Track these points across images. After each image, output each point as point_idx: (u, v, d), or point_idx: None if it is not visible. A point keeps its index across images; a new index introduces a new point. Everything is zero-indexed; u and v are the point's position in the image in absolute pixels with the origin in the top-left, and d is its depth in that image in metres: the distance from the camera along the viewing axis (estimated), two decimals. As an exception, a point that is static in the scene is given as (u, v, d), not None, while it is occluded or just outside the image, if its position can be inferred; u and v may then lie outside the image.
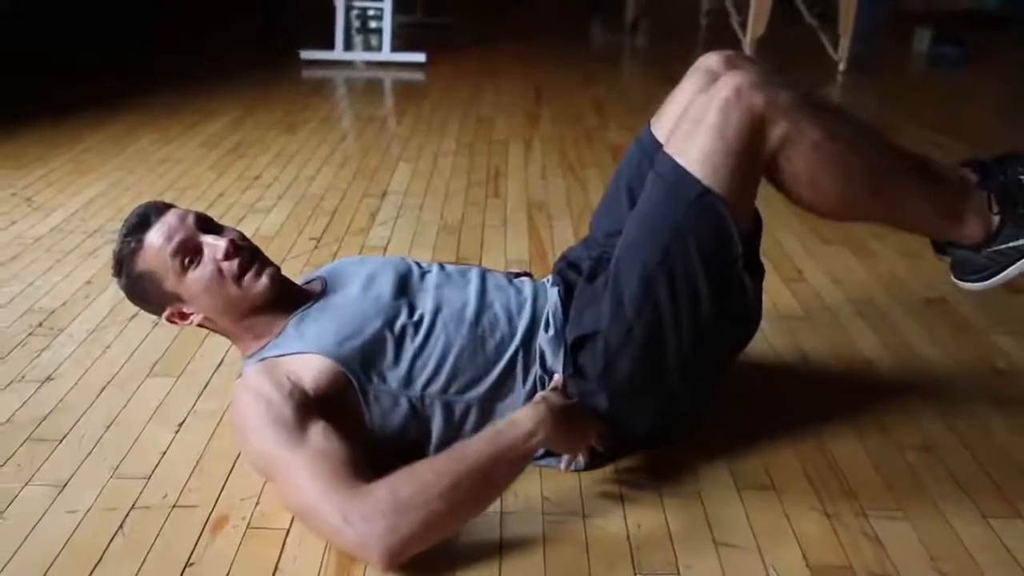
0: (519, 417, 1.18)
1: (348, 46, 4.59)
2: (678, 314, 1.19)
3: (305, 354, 1.25)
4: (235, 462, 1.36)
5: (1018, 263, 1.21)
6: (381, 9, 4.51)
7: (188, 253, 1.27)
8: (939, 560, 1.17)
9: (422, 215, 2.39)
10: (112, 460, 1.36)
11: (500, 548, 1.19)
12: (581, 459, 1.31)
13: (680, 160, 1.17)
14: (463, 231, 2.28)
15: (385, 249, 2.16)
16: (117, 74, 4.22)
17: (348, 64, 4.53)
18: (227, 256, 1.27)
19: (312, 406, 1.20)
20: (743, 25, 4.57)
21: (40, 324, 1.78)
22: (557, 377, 1.28)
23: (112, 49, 4.84)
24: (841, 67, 4.52)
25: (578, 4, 7.14)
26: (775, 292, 1.93)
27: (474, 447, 1.14)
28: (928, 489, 1.31)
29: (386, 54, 4.48)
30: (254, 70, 4.35)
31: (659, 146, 1.28)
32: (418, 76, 4.39)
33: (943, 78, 4.65)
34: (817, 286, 1.97)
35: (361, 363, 1.25)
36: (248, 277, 1.29)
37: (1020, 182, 1.24)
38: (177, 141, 3.11)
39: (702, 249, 1.17)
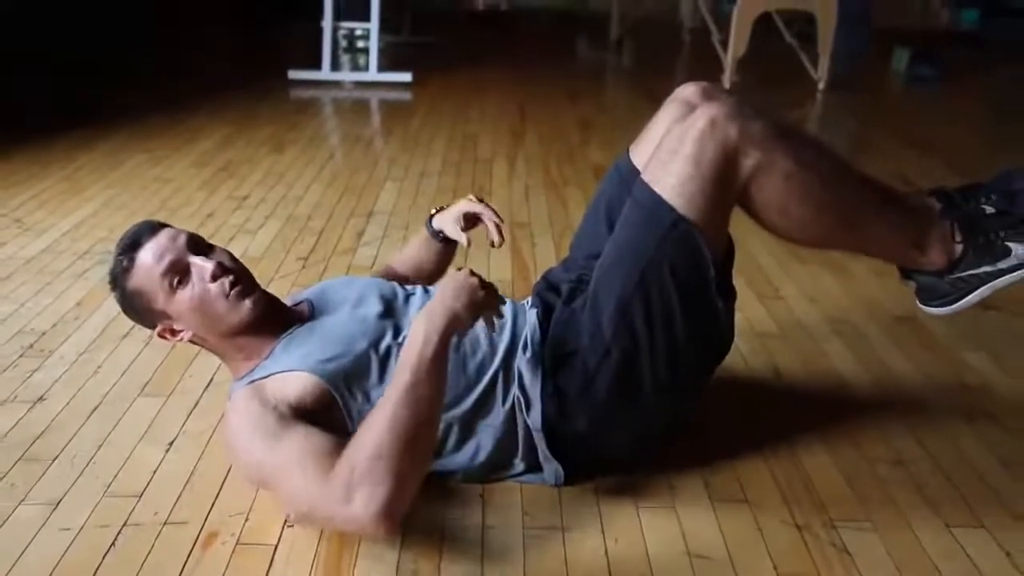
0: (411, 333, 1.18)
1: (335, 66, 4.64)
2: (653, 336, 1.24)
3: (292, 372, 1.29)
4: (224, 479, 1.40)
5: (979, 289, 1.27)
6: (368, 30, 4.56)
7: (177, 273, 1.31)
8: (904, 569, 1.22)
9: (408, 235, 2.44)
10: (104, 479, 1.40)
11: (481, 561, 1.23)
12: (561, 472, 1.35)
13: (656, 188, 1.22)
14: (448, 250, 2.32)
15: (371, 268, 2.21)
16: (110, 92, 4.26)
17: (335, 84, 4.58)
18: (214, 277, 1.31)
19: (295, 415, 1.24)
20: (724, 44, 4.66)
21: (31, 346, 1.81)
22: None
23: (104, 66, 4.88)
24: (821, 86, 4.60)
25: (562, 22, 7.24)
26: (751, 309, 1.99)
27: (395, 382, 1.15)
28: (896, 500, 1.36)
29: (373, 74, 4.53)
30: (243, 89, 4.40)
31: (637, 173, 1.33)
32: (405, 95, 4.44)
33: (920, 97, 4.75)
34: (793, 304, 2.03)
35: (346, 381, 1.29)
36: (232, 297, 1.32)
37: (982, 211, 1.30)
38: (168, 160, 3.15)
39: (677, 274, 1.22)
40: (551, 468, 1.36)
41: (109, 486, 1.38)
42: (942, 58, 5.10)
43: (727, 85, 4.56)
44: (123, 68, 4.96)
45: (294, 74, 4.57)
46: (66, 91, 4.27)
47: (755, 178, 1.20)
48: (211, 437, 1.51)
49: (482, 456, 1.35)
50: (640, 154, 1.43)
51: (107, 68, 4.88)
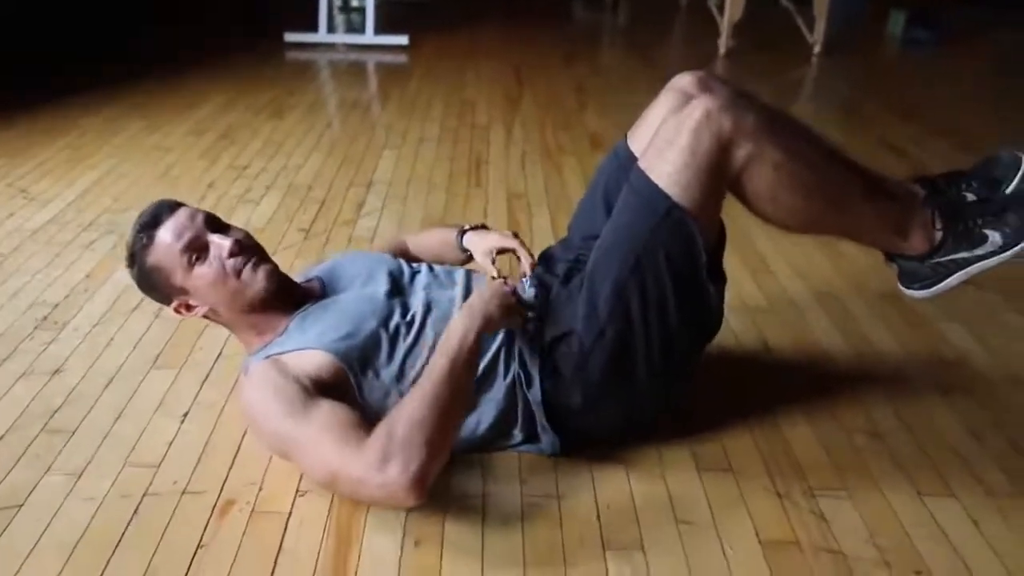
0: (453, 326, 1.31)
1: (331, 28, 4.63)
2: (647, 318, 1.31)
3: (308, 350, 1.35)
4: (238, 449, 1.47)
5: (957, 274, 1.33)
6: (364, -7, 4.56)
7: (195, 250, 1.37)
8: (877, 535, 1.30)
9: (406, 206, 2.49)
10: (123, 449, 1.47)
11: (482, 527, 1.31)
12: (557, 443, 1.43)
13: (652, 176, 1.28)
14: (446, 223, 2.38)
15: (371, 242, 2.26)
16: (108, 58, 4.26)
17: (332, 47, 4.58)
18: (231, 254, 1.37)
19: (315, 390, 1.31)
20: (720, 8, 4.66)
21: (45, 318, 1.88)
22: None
23: (101, 33, 4.86)
24: (816, 49, 4.62)
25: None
26: (742, 283, 2.05)
27: (433, 365, 1.27)
28: (872, 470, 1.45)
29: (369, 37, 4.54)
30: (240, 53, 4.40)
31: (635, 160, 1.39)
32: (401, 58, 4.45)
33: (915, 61, 4.77)
34: (783, 278, 2.09)
35: (359, 359, 1.36)
36: (247, 272, 1.38)
37: (963, 199, 1.36)
38: (167, 127, 3.18)
39: (671, 259, 1.29)
40: (548, 439, 1.43)
41: (128, 456, 1.45)
42: (939, 20, 5.10)
43: (723, 49, 4.58)
44: (119, 30, 4.93)
45: (291, 36, 4.57)
46: (64, 55, 4.26)
47: (747, 168, 1.26)
48: (223, 408, 1.58)
49: (483, 427, 1.43)
50: (637, 141, 1.49)
51: (104, 33, 4.85)
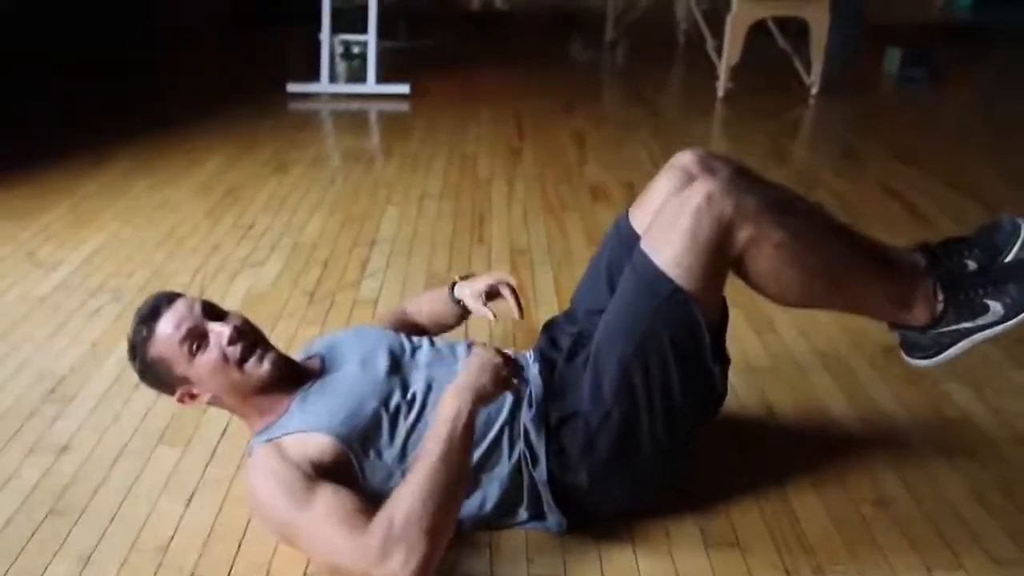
0: (444, 402, 1.31)
1: (333, 78, 4.69)
2: (652, 399, 1.32)
3: (309, 432, 1.36)
4: (244, 532, 1.47)
5: (959, 344, 1.35)
6: (365, 42, 4.61)
7: (195, 340, 1.39)
8: (886, 614, 1.30)
9: (410, 265, 2.51)
10: (130, 532, 1.47)
11: (490, 611, 1.31)
12: (564, 521, 1.43)
13: (655, 259, 1.29)
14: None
15: (376, 304, 2.28)
16: (110, 110, 4.31)
17: (334, 96, 4.63)
18: (231, 342, 1.39)
19: (318, 473, 1.32)
20: (718, 51, 4.71)
21: (52, 391, 1.89)
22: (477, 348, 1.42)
23: (103, 85, 4.92)
24: (814, 91, 4.66)
25: (557, 21, 7.28)
26: (746, 342, 2.06)
27: (427, 448, 1.28)
28: (880, 543, 1.44)
29: (371, 86, 4.58)
30: (242, 104, 4.45)
31: (636, 237, 1.42)
32: (403, 107, 4.50)
33: (912, 99, 4.81)
34: (785, 336, 2.10)
35: (360, 441, 1.37)
36: (251, 362, 1.40)
37: (964, 266, 1.38)
38: (172, 185, 3.21)
39: (674, 342, 1.30)
40: (555, 517, 1.44)
41: (136, 540, 1.46)
42: (933, 58, 5.14)
43: (721, 93, 4.62)
44: (120, 84, 5.00)
45: (293, 87, 4.62)
46: (66, 112, 4.31)
47: (748, 249, 1.28)
48: (229, 488, 1.58)
49: (489, 506, 1.43)
50: (639, 217, 1.50)
51: (106, 87, 4.91)
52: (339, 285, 2.39)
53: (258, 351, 1.42)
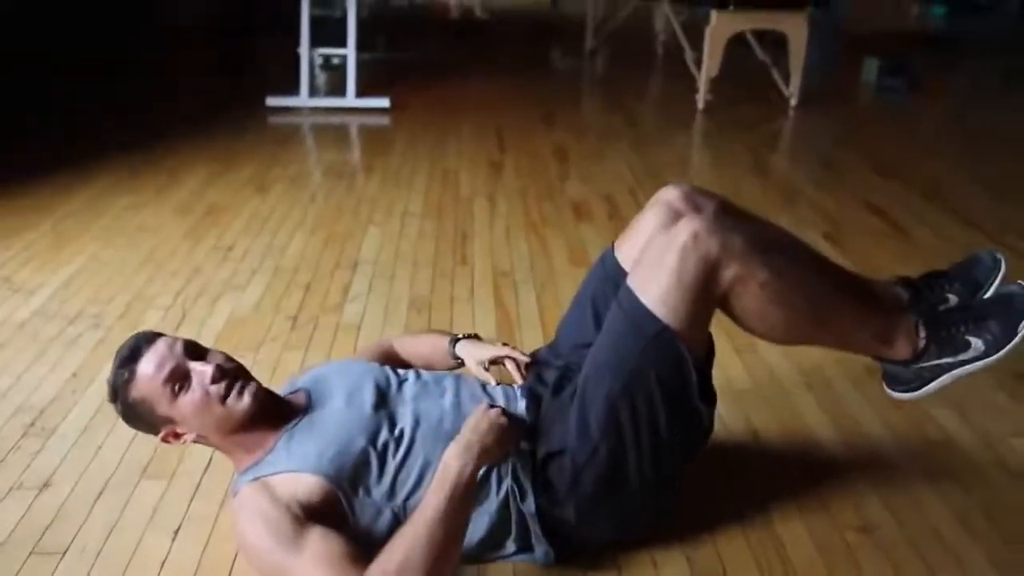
0: (447, 460, 1.32)
1: (313, 91, 4.67)
2: (639, 436, 1.33)
3: (298, 473, 1.36)
4: (232, 568, 1.46)
5: (940, 379, 1.37)
6: (344, 56, 4.59)
7: (178, 380, 1.38)
8: (872, 645, 1.31)
9: (393, 288, 2.50)
10: (115, 572, 1.46)
11: (480, 648, 1.31)
12: (551, 553, 1.43)
13: (641, 297, 1.30)
14: (432, 306, 2.39)
15: (359, 329, 2.27)
16: (84, 124, 4.27)
17: (314, 110, 4.61)
18: (214, 380, 1.38)
19: (307, 516, 1.31)
20: (697, 62, 4.74)
21: (32, 424, 1.87)
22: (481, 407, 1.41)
23: (78, 94, 4.88)
24: (793, 102, 4.70)
25: (537, 29, 7.30)
26: (728, 364, 2.07)
27: (427, 503, 1.28)
28: (864, 571, 1.45)
29: (351, 100, 4.57)
30: (221, 118, 4.43)
31: (622, 272, 1.43)
32: (383, 121, 4.49)
33: (889, 109, 4.86)
34: (769, 358, 2.11)
35: (349, 480, 1.36)
36: (232, 397, 1.39)
37: (946, 300, 1.41)
38: (151, 206, 3.18)
39: (661, 380, 1.30)
40: (542, 549, 1.43)
41: (120, 581, 1.44)
42: (910, 68, 5.21)
43: (700, 104, 4.64)
44: (95, 97, 4.96)
45: (272, 100, 4.60)
46: (44, 127, 4.27)
47: (734, 288, 1.29)
48: (215, 523, 1.57)
49: (476, 539, 1.42)
50: (624, 251, 1.51)
51: (81, 100, 4.87)
52: (322, 309, 2.38)
53: (238, 385, 1.41)
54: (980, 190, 3.42)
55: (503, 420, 1.37)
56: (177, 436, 1.42)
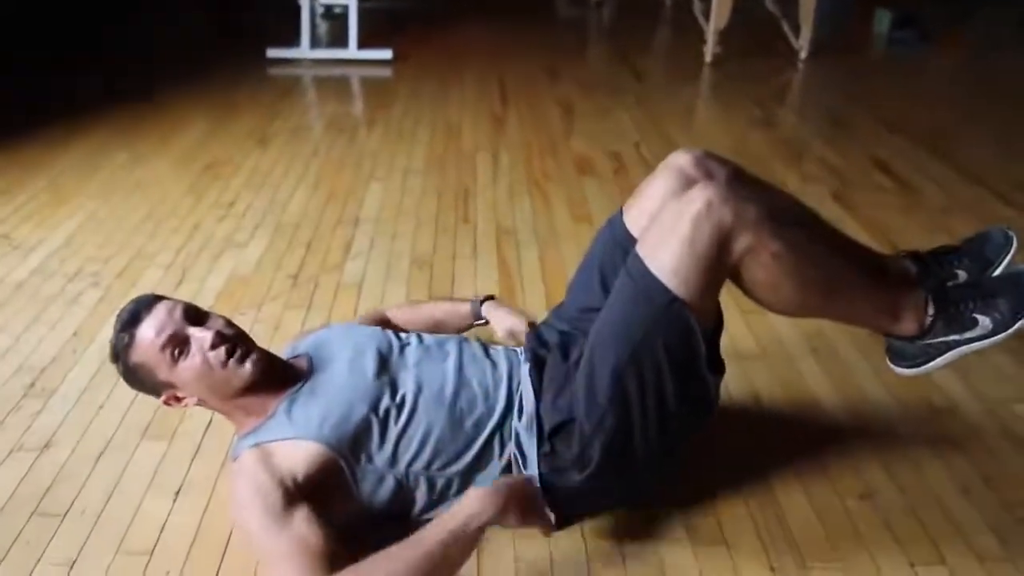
0: (469, 497, 1.28)
1: (314, 42, 4.59)
2: (646, 405, 1.31)
3: (299, 440, 1.35)
4: (230, 534, 1.46)
5: (945, 355, 1.36)
6: (346, 5, 4.50)
7: (177, 345, 1.37)
8: (870, 613, 1.31)
9: (394, 246, 2.48)
10: (116, 534, 1.46)
11: (478, 613, 1.32)
12: (552, 519, 1.43)
13: (651, 266, 1.27)
14: (434, 264, 2.37)
15: (360, 287, 2.25)
16: (84, 76, 4.21)
17: (315, 62, 4.53)
18: (213, 346, 1.37)
19: (301, 492, 1.31)
20: (705, 13, 4.64)
21: (32, 384, 1.86)
22: (525, 475, 1.40)
23: (76, 48, 4.81)
24: (802, 55, 4.61)
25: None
26: (734, 328, 2.04)
27: (428, 534, 1.25)
28: (864, 538, 1.45)
29: (353, 52, 4.49)
30: (220, 70, 4.36)
31: (630, 238, 1.40)
32: (385, 73, 4.42)
33: (901, 62, 4.77)
34: (774, 322, 2.09)
35: (350, 447, 1.36)
36: (233, 363, 1.38)
37: (955, 276, 1.40)
38: (150, 160, 3.15)
39: (669, 349, 1.28)
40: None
41: (121, 542, 1.45)
42: (922, 20, 5.09)
43: (708, 57, 4.56)
44: (95, 48, 4.88)
45: (273, 52, 4.52)
46: (39, 80, 4.21)
47: (746, 258, 1.26)
48: (215, 484, 1.57)
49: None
50: (633, 217, 1.48)
51: (80, 52, 4.79)
52: (323, 267, 2.36)
53: (239, 352, 1.40)
54: (991, 146, 3.36)
55: (538, 500, 1.35)
56: (178, 400, 1.42)
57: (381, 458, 1.37)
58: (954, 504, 1.53)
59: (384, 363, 1.47)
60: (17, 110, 3.69)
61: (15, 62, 4.42)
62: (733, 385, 1.85)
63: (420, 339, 1.56)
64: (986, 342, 1.31)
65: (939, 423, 1.75)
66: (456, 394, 1.42)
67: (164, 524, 1.49)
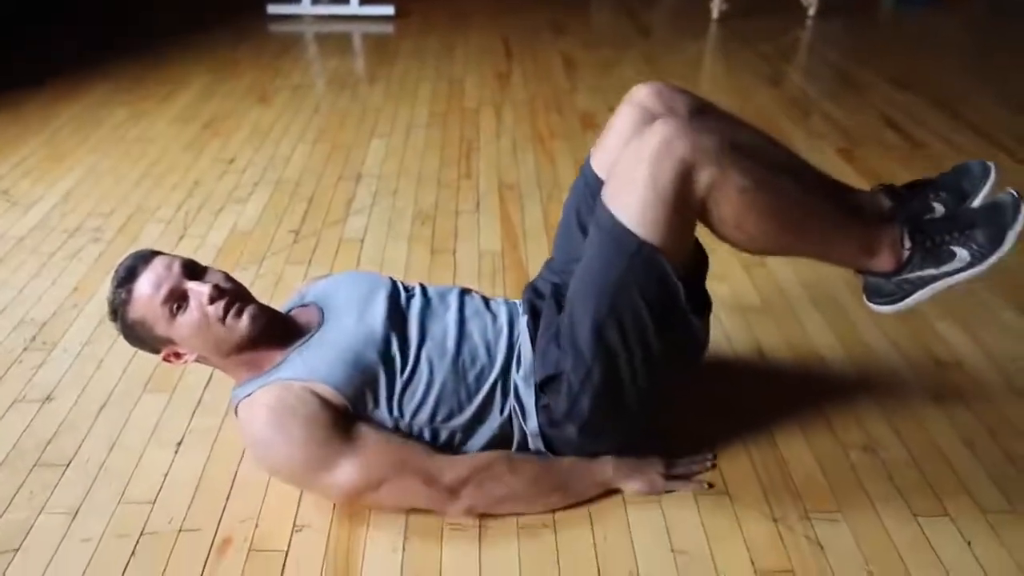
0: (596, 470, 1.43)
1: (315, -2, 4.53)
2: (631, 354, 1.29)
3: (310, 382, 1.34)
4: (233, 481, 1.47)
5: (922, 291, 1.31)
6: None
7: (175, 300, 1.34)
8: (871, 562, 1.31)
9: (396, 201, 2.46)
10: (118, 485, 1.47)
11: (479, 559, 1.32)
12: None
13: (617, 213, 1.23)
14: (437, 219, 2.35)
15: (362, 242, 2.23)
16: (82, 34, 4.16)
17: (316, 18, 4.47)
18: (211, 300, 1.34)
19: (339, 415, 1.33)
20: (712, -30, 4.55)
21: (34, 338, 1.86)
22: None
23: (66, 8, 4.74)
24: (811, 12, 4.53)
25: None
26: (736, 280, 2.04)
27: (546, 470, 1.40)
28: (867, 489, 1.45)
29: (355, 7, 4.43)
30: (221, 27, 4.30)
31: (599, 181, 1.37)
32: (388, 29, 4.36)
33: (910, 21, 4.68)
34: (777, 274, 2.07)
35: (359, 394, 1.35)
36: (230, 317, 1.36)
37: (931, 209, 1.35)
38: (150, 116, 3.12)
39: (645, 296, 1.25)
40: (544, 466, 1.43)
41: (123, 492, 1.45)
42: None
43: (715, 13, 4.49)
44: (95, 4, 4.81)
45: (273, 8, 4.46)
46: (38, 35, 4.16)
47: (712, 194, 1.21)
48: (217, 435, 1.57)
49: (477, 449, 1.42)
50: (599, 158, 1.45)
51: (80, 5, 4.73)
52: (324, 223, 2.34)
53: (237, 306, 1.37)
54: (1000, 103, 3.31)
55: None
56: (178, 356, 1.40)
57: (385, 408, 1.36)
58: (958, 457, 1.52)
59: (393, 312, 1.44)
60: (17, 67, 3.65)
61: (14, 19, 4.37)
62: (735, 337, 1.84)
63: (424, 290, 1.54)
64: (964, 275, 1.27)
65: (944, 377, 1.73)
66: (459, 347, 1.41)
67: (166, 475, 1.49)
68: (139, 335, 1.38)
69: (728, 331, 1.85)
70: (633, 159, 1.22)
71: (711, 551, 1.33)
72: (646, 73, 3.60)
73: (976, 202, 1.37)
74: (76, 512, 1.41)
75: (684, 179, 1.20)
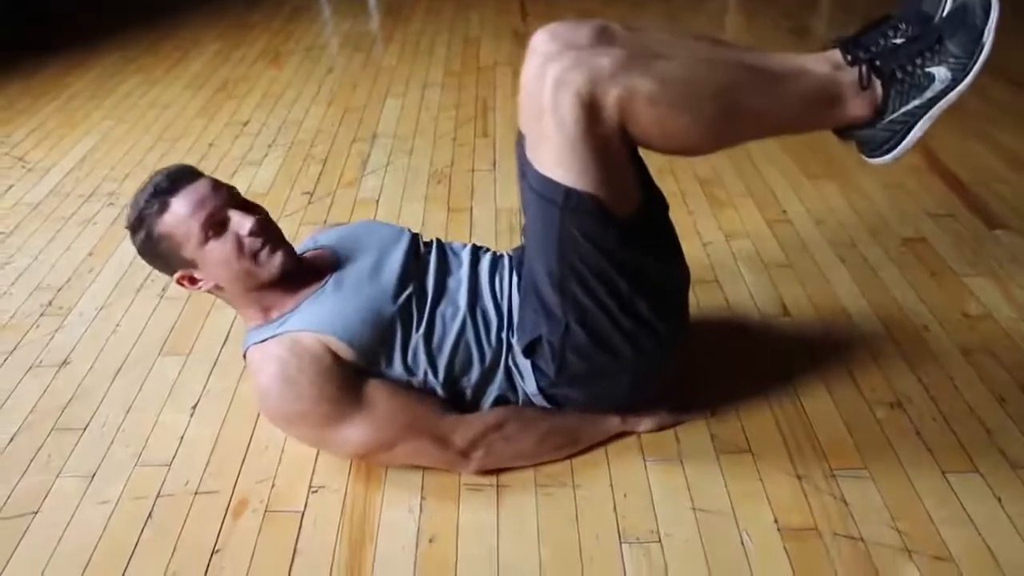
0: (603, 424, 1.45)
1: (328, -42, 4.45)
2: (599, 301, 1.23)
3: (321, 334, 1.30)
4: (249, 443, 1.46)
5: (918, 125, 1.20)
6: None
7: (215, 225, 1.29)
8: (898, 519, 1.28)
9: (412, 161, 2.42)
10: (134, 448, 1.46)
11: (497, 519, 1.30)
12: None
13: (540, 168, 1.17)
14: (453, 178, 2.31)
15: (377, 202, 2.21)
16: (93, 1, 4.13)
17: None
18: (252, 233, 1.29)
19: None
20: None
21: (50, 303, 1.85)
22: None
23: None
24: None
25: None
26: (759, 237, 1.99)
27: (554, 426, 1.41)
28: (894, 446, 1.41)
29: (368, -33, 4.36)
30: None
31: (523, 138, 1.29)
32: (402, -12, 4.29)
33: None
34: (800, 227, 2.02)
35: (374, 349, 1.32)
36: (264, 254, 1.32)
37: (894, 46, 1.21)
38: (162, 82, 3.09)
39: (590, 239, 1.19)
40: (556, 425, 1.41)
41: (140, 455, 1.45)
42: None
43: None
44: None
45: (285, -30, 4.39)
46: (50, 3, 4.14)
47: (623, 115, 1.13)
48: (232, 398, 1.56)
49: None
50: (521, 116, 1.38)
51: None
52: (339, 183, 2.32)
53: (271, 245, 1.33)
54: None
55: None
56: (193, 282, 1.34)
57: (399, 364, 1.33)
58: (986, 412, 1.48)
59: (408, 268, 1.41)
60: (30, 34, 3.63)
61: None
62: (758, 292, 1.80)
63: (439, 245, 1.50)
64: (953, 93, 1.16)
65: (974, 331, 1.68)
66: (471, 306, 1.38)
67: (182, 437, 1.48)
68: (160, 251, 1.31)
69: (751, 287, 1.81)
70: (535, 107, 1.14)
71: (733, 509, 1.31)
72: (666, 31, 3.51)
73: (945, 13, 1.21)
74: (93, 475, 1.41)
75: (588, 111, 1.11)
